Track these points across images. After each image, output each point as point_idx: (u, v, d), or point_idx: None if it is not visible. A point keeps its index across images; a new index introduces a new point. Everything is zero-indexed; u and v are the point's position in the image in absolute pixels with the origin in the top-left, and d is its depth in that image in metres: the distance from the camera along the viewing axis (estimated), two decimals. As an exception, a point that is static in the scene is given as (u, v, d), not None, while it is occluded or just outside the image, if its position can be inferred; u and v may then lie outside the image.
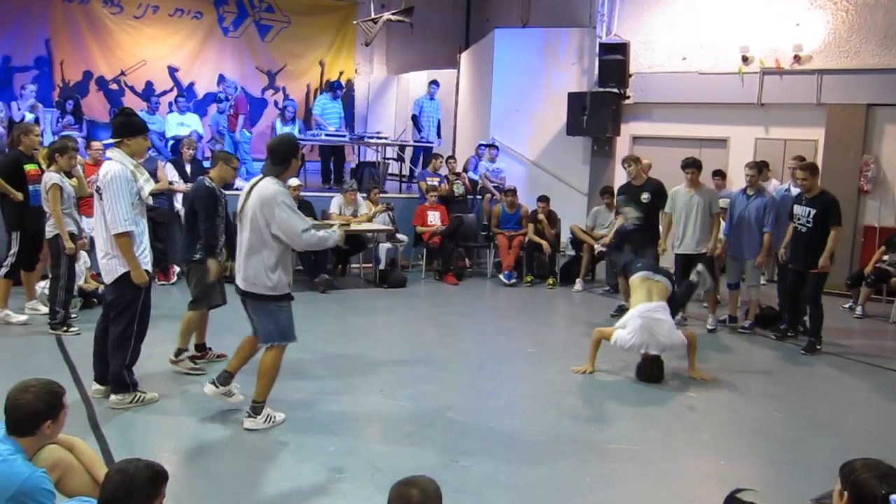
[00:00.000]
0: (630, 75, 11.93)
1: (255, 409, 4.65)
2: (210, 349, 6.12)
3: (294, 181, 9.71)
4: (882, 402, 5.98)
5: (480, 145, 12.03)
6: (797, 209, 7.16)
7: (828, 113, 10.33)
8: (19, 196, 6.87)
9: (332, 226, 4.72)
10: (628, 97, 12.01)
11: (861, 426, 5.31)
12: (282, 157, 4.48)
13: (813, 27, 10.44)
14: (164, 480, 2.44)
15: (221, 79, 14.44)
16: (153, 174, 8.60)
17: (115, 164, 4.73)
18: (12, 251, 6.99)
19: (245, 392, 4.96)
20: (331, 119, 12.20)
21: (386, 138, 12.49)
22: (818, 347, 7.10)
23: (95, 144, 8.57)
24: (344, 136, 11.68)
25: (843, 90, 10.19)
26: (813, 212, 6.97)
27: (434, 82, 13.25)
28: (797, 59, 10.51)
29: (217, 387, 4.85)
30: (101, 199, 4.75)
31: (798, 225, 7.13)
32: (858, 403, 5.88)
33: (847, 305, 9.20)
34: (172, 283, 8.95)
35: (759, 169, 8.05)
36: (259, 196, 4.38)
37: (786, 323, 7.67)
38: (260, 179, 4.49)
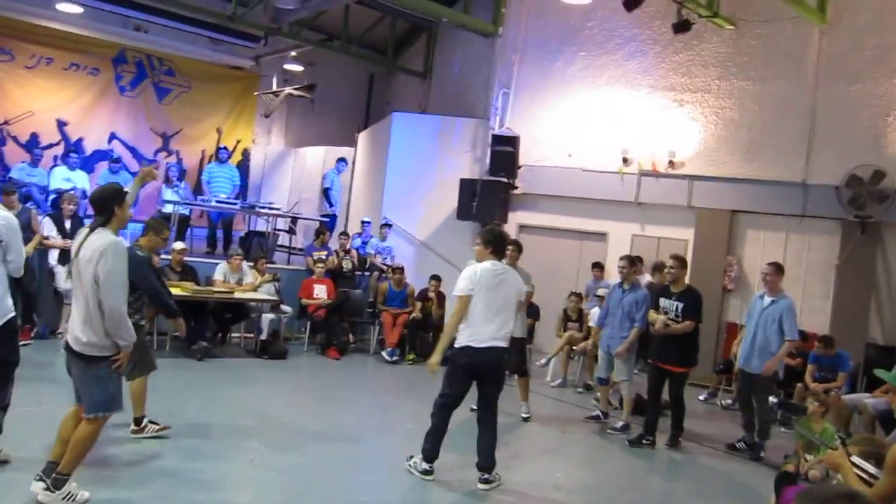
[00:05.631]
0: (519, 167, 12.50)
1: (57, 483, 4.20)
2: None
3: (179, 244, 9.58)
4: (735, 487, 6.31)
5: (363, 222, 12.25)
6: (664, 302, 7.25)
7: (697, 215, 11.12)
8: None
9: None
10: (516, 187, 12.55)
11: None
12: (102, 206, 4.30)
13: (686, 136, 11.32)
14: None
15: (112, 137, 14.18)
16: (27, 225, 8.30)
17: None
18: None
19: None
20: (220, 185, 12.11)
21: (278, 209, 12.49)
22: (680, 440, 7.14)
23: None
24: (235, 204, 11.60)
25: (710, 196, 11.02)
26: (681, 305, 7.06)
27: (342, 160, 13.58)
28: (671, 164, 11.33)
29: (44, 481, 4.28)
30: None
31: (668, 319, 7.14)
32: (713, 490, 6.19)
33: (702, 397, 9.66)
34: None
35: (632, 261, 8.01)
36: (93, 247, 4.17)
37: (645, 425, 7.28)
38: (88, 234, 4.27)
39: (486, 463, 5.44)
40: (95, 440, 4.34)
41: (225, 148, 13.30)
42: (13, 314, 4.76)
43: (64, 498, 4.21)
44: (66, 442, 4.33)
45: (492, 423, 5.53)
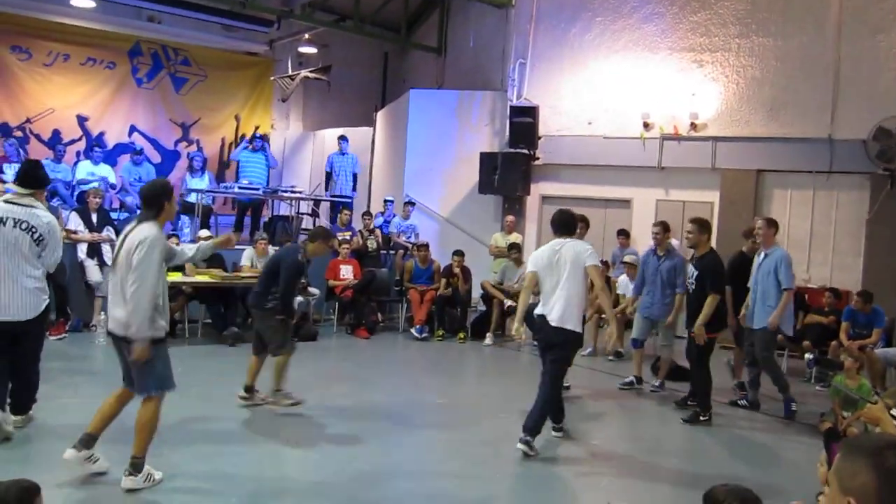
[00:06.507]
0: (539, 137, 12.40)
1: (136, 466, 4.34)
2: (258, 391, 6.41)
3: (204, 232, 9.65)
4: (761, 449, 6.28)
5: (386, 200, 12.22)
6: (689, 268, 7.09)
7: (722, 177, 10.99)
8: None
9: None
10: (537, 158, 12.47)
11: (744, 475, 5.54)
12: (154, 201, 4.45)
13: (707, 97, 11.16)
14: (36, 493, 2.38)
15: (133, 129, 14.29)
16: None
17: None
18: None
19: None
20: (253, 171, 12.12)
21: (300, 193, 12.52)
22: (703, 418, 6.62)
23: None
24: (257, 189, 11.64)
25: (735, 156, 10.88)
26: (696, 273, 6.78)
27: (343, 137, 13.36)
28: (693, 126, 11.19)
29: (79, 451, 4.44)
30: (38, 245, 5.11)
31: (688, 284, 7.04)
32: (742, 454, 6.15)
33: (725, 360, 9.53)
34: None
35: (666, 227, 7.74)
36: (137, 237, 4.29)
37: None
38: (136, 226, 4.40)
39: (529, 424, 5.47)
40: (158, 419, 4.45)
41: (261, 137, 13.13)
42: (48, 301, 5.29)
43: (145, 479, 4.37)
44: (105, 416, 4.51)
45: (543, 388, 5.64)
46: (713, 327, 6.75)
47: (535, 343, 5.94)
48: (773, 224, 7.17)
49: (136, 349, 4.27)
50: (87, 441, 4.45)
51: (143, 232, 4.32)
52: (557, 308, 5.56)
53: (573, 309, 5.58)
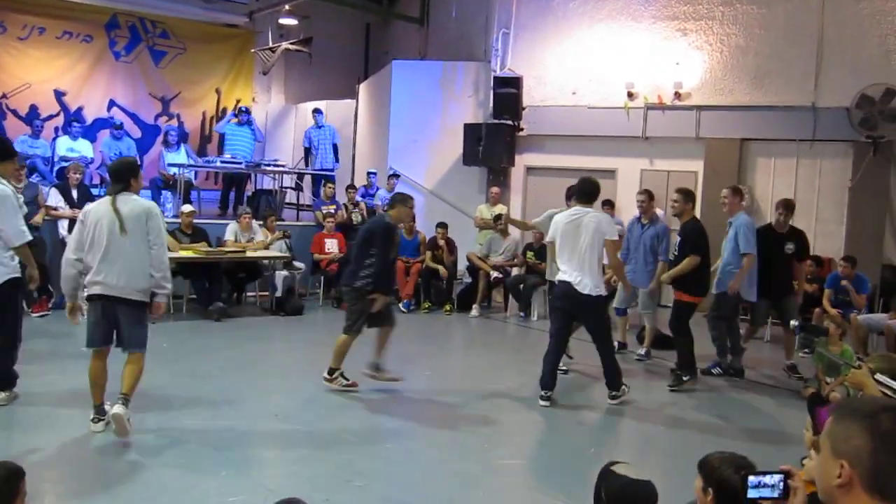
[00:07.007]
0: (523, 108, 12.32)
1: (126, 401, 4.66)
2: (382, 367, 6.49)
3: (187, 207, 9.57)
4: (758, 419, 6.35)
5: (369, 173, 12.13)
6: (674, 236, 7.22)
7: (706, 146, 10.99)
8: None
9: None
10: (522, 129, 12.40)
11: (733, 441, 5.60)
12: (123, 176, 4.86)
13: (691, 66, 11.12)
14: (21, 477, 2.37)
15: (112, 104, 14.08)
16: (34, 201, 8.29)
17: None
18: None
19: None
20: (238, 144, 11.94)
21: (283, 166, 12.40)
22: (685, 379, 6.74)
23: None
24: (239, 163, 11.50)
25: (719, 125, 10.88)
26: (679, 240, 6.94)
27: (317, 110, 13.06)
28: (678, 95, 11.16)
29: (100, 421, 4.89)
30: None
31: (672, 252, 7.15)
32: (729, 419, 6.22)
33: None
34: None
35: (651, 196, 7.88)
36: (140, 207, 4.76)
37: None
38: (116, 195, 4.73)
39: (608, 382, 6.07)
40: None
41: (247, 111, 12.81)
42: (18, 274, 5.24)
43: (128, 419, 4.63)
44: (101, 384, 4.87)
45: (602, 353, 6.09)
46: (694, 291, 6.85)
47: (554, 305, 6.23)
48: (737, 192, 7.28)
49: (163, 304, 5.03)
50: (100, 410, 4.86)
51: (141, 202, 4.82)
52: (587, 278, 5.88)
53: (598, 276, 5.98)
